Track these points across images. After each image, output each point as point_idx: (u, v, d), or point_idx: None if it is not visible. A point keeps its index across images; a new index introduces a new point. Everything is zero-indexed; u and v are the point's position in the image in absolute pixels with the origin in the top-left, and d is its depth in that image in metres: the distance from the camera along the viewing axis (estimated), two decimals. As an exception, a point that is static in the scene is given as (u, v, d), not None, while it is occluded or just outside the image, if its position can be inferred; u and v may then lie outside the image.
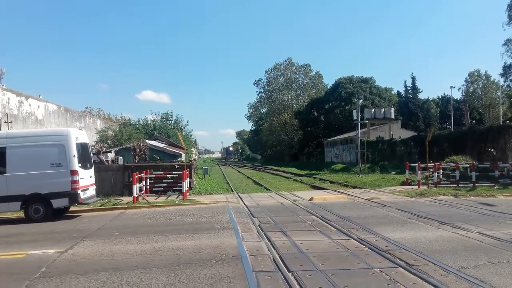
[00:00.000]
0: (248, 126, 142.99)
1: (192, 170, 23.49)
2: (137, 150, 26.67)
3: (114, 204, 17.21)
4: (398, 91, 73.75)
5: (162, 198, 18.99)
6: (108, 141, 37.81)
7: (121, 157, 27.50)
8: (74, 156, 14.08)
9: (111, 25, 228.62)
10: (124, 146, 32.10)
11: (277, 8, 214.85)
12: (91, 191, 15.72)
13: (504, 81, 47.13)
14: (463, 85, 77.47)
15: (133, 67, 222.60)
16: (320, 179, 31.75)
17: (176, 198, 18.76)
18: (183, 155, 31.38)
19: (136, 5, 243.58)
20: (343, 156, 52.23)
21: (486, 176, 21.66)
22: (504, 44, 43.63)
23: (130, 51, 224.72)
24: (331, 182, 28.82)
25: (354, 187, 23.87)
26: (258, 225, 11.48)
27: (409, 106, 66.08)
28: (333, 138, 59.08)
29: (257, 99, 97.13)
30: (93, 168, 16.28)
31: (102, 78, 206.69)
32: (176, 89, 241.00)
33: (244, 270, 6.97)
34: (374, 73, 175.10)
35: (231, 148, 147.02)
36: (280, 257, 7.80)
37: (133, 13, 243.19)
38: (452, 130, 44.22)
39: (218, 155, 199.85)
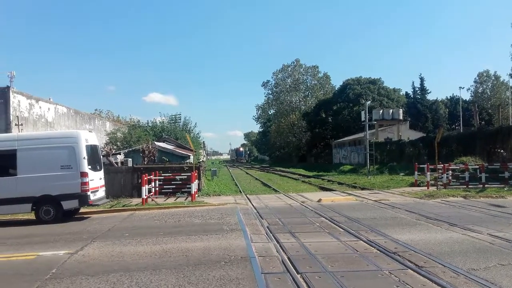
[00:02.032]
0: (256, 128, 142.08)
1: (201, 171, 23.58)
2: (146, 152, 26.80)
3: (123, 206, 17.31)
4: (406, 92, 73.65)
5: (171, 200, 19.08)
6: (117, 143, 38.01)
7: (130, 159, 27.67)
8: (84, 158, 14.20)
9: (118, 27, 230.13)
10: (133, 148, 32.29)
11: (285, 9, 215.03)
12: (101, 193, 15.83)
13: (513, 82, 46.74)
14: (472, 85, 77.22)
15: (140, 69, 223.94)
16: (328, 181, 31.67)
17: (185, 199, 18.83)
18: (191, 157, 31.46)
19: (142, 6, 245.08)
20: (351, 157, 52.08)
21: (496, 177, 21.48)
22: (513, 45, 43.27)
23: (137, 53, 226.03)
24: (339, 183, 28.75)
25: (363, 189, 23.79)
26: (267, 227, 11.50)
27: (417, 107, 65.85)
28: (341, 139, 58.92)
29: (265, 101, 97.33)
30: (102, 170, 16.42)
31: (110, 81, 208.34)
32: (183, 91, 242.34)
33: (253, 271, 7.00)
34: (382, 74, 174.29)
35: (241, 149, 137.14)
36: (288, 258, 7.81)
37: (139, 15, 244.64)
38: (461, 131, 43.93)
39: (226, 156, 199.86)
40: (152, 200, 18.47)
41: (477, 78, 76.44)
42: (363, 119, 36.91)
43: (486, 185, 20.56)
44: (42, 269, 7.60)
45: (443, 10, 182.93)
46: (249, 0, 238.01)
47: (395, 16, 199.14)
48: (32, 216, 14.56)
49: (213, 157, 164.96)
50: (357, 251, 8.32)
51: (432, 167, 22.29)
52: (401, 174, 30.37)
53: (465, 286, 6.06)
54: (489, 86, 75.16)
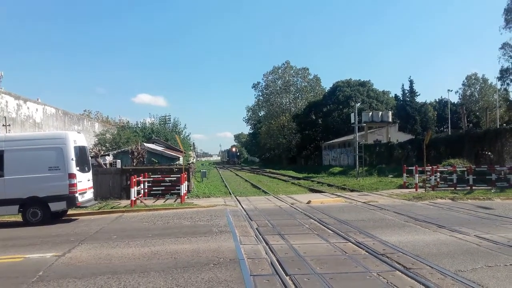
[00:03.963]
0: (246, 129, 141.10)
1: (190, 173, 23.50)
2: (135, 153, 26.70)
3: (112, 208, 17.20)
4: (395, 94, 74.02)
5: (160, 202, 18.97)
6: (106, 144, 37.77)
7: (119, 160, 27.51)
8: (72, 159, 14.07)
9: (107, 28, 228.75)
10: (122, 149, 32.11)
11: (275, 12, 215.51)
12: (89, 195, 15.71)
13: (501, 85, 47.19)
14: (461, 88, 78.09)
15: (128, 70, 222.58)
16: (318, 182, 31.77)
17: (174, 201, 18.75)
18: (181, 158, 31.38)
19: (131, 7, 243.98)
20: (341, 159, 52.31)
21: (483, 179, 21.70)
22: (501, 48, 43.77)
23: (125, 54, 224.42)
24: (328, 185, 28.85)
25: (352, 190, 23.89)
26: (256, 229, 11.49)
27: (406, 110, 66.24)
28: (331, 141, 59.18)
29: (255, 102, 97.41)
30: (91, 171, 16.29)
31: (99, 81, 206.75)
32: (172, 92, 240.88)
33: (242, 274, 6.99)
34: (371, 77, 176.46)
35: (233, 149, 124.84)
36: (277, 260, 7.81)
37: (128, 16, 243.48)
38: (450, 133, 44.34)
39: (216, 158, 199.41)
40: (141, 202, 18.35)
41: (465, 81, 77.37)
42: (352, 121, 37.08)
43: (473, 187, 20.78)
44: (29, 272, 7.51)
45: (433, 13, 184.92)
46: (239, 3, 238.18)
47: (385, 20, 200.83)
48: (19, 218, 14.41)
49: (203, 159, 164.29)
50: (346, 253, 8.36)
51: (421, 169, 22.48)
52: (390, 176, 30.58)
53: (452, 287, 6.11)
54: (477, 89, 76.04)
